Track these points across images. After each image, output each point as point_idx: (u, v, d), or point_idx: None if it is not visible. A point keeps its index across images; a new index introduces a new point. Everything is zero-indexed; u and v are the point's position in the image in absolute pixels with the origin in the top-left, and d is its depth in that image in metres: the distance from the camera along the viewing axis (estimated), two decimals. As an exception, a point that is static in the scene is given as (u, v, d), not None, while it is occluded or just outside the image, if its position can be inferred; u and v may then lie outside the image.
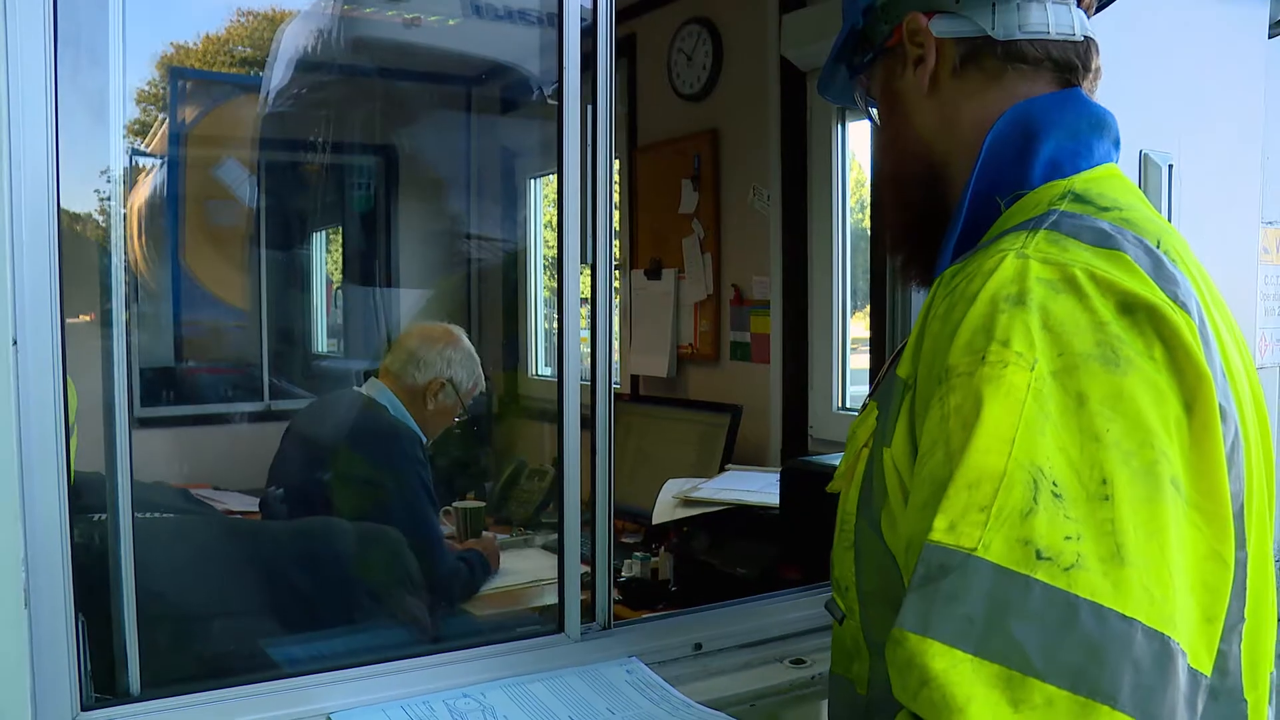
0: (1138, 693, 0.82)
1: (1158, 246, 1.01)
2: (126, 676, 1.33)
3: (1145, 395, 0.88)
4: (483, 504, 3.24)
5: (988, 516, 0.84)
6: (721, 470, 3.14)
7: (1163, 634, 0.83)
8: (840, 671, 1.20)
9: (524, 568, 2.90)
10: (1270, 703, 1.06)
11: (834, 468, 2.36)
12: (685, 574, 2.66)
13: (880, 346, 1.93)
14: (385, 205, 4.39)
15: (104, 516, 1.33)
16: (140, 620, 1.34)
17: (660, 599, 2.63)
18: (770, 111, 3.25)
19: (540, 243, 4.33)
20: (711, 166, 3.50)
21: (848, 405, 3.25)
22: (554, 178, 4.36)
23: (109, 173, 1.35)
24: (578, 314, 1.59)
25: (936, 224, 1.18)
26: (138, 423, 2.75)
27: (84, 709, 1.26)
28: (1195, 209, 1.88)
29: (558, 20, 1.54)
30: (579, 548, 1.60)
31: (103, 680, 1.32)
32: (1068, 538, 0.83)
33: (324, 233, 4.75)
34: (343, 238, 4.69)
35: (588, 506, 1.61)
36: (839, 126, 3.17)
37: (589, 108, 1.57)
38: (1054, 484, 0.85)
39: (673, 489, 2.91)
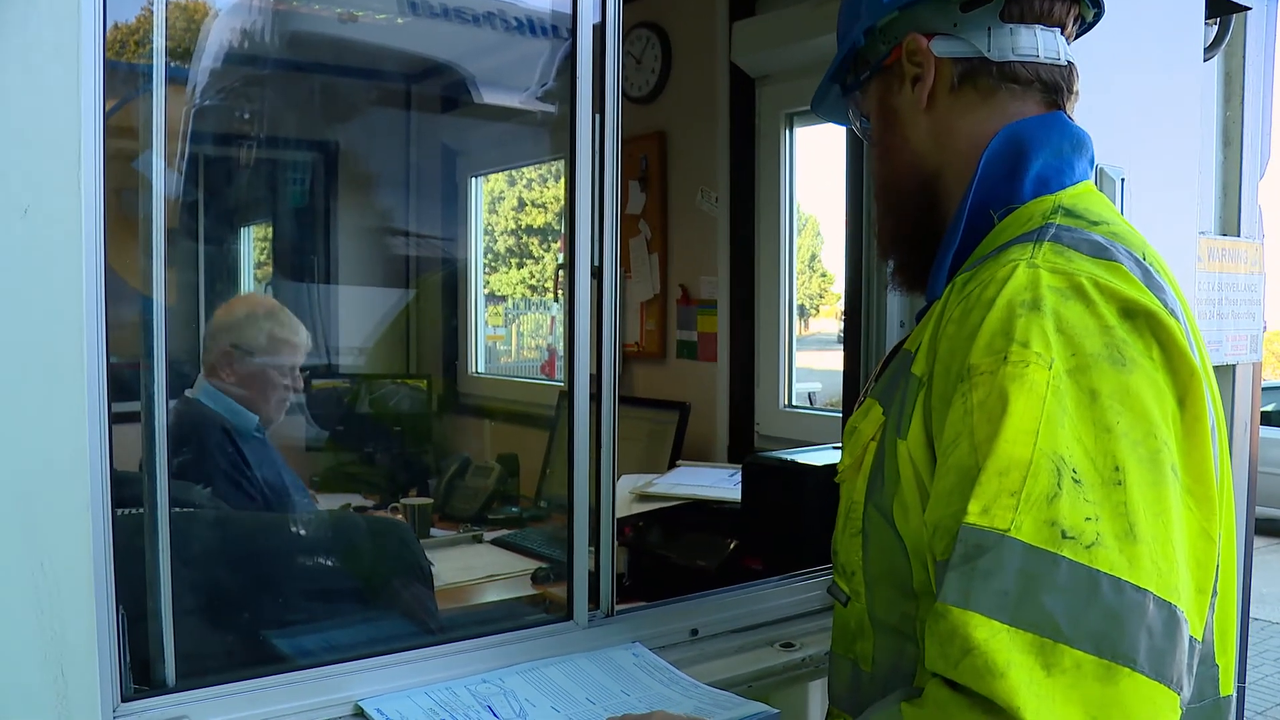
0: (1153, 655, 0.93)
1: (1143, 259, 1.12)
2: (163, 668, 1.35)
3: (1148, 391, 0.99)
4: (430, 500, 3.27)
5: (1018, 501, 0.94)
6: (672, 466, 3.22)
7: (1170, 603, 0.94)
8: (841, 651, 1.28)
9: (477, 564, 2.92)
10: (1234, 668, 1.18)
11: (794, 463, 2.48)
12: (641, 567, 2.72)
13: (855, 344, 2.01)
14: (322, 202, 4.36)
15: (130, 511, 1.35)
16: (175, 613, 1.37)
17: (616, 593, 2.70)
18: (719, 116, 3.34)
19: (481, 241, 4.36)
20: (659, 168, 3.58)
21: (794, 403, 3.36)
22: (495, 176, 4.35)
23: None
24: (587, 321, 1.64)
25: (929, 232, 1.27)
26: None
27: (124, 699, 1.29)
28: (1143, 219, 2.00)
29: (571, 32, 1.60)
30: (588, 540, 1.66)
31: (138, 672, 1.34)
32: (1088, 519, 0.93)
33: (255, 228, 4.70)
34: (274, 234, 4.65)
35: (594, 502, 1.67)
36: (787, 132, 3.27)
37: (597, 117, 1.63)
38: (1074, 470, 0.95)
39: (627, 484, 2.97)
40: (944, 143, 1.25)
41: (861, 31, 1.30)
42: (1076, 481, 0.94)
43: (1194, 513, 1.00)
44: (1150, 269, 1.11)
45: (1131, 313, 1.03)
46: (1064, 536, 0.93)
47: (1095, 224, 1.14)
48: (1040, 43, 1.23)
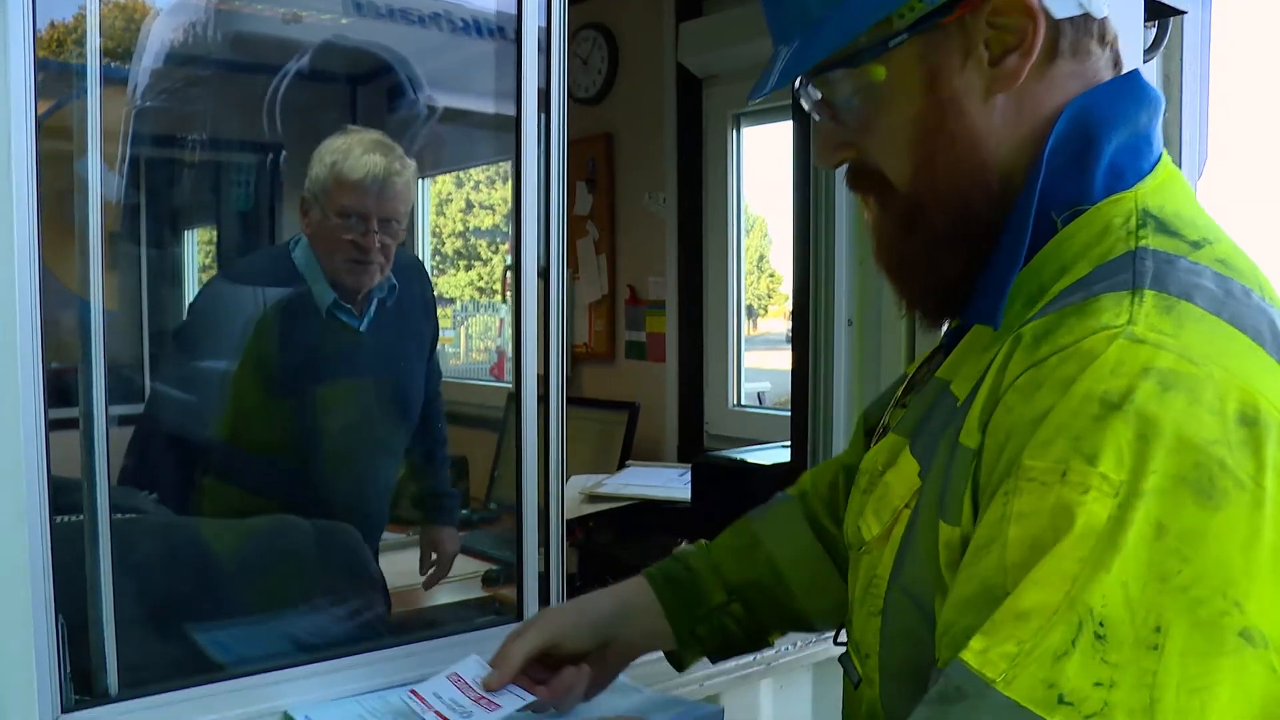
0: None
1: (1262, 294, 0.88)
2: (105, 677, 1.33)
3: (1234, 535, 0.77)
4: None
5: (1020, 651, 0.78)
6: (622, 466, 3.22)
7: None
8: None
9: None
10: None
11: (744, 462, 2.48)
12: (591, 568, 2.73)
13: (803, 343, 2.02)
14: (267, 204, 4.31)
15: (70, 518, 1.33)
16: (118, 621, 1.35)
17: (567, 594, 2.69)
18: (666, 117, 3.35)
19: (428, 242, 4.33)
20: (606, 169, 3.58)
21: (742, 402, 3.38)
22: (442, 178, 4.30)
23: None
24: (534, 321, 1.64)
25: (975, 249, 0.98)
26: None
27: (64, 710, 1.27)
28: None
29: (516, 32, 1.60)
30: (537, 542, 1.65)
31: (79, 682, 1.32)
32: (1098, 684, 0.76)
33: (199, 231, 4.64)
34: (219, 237, 4.59)
35: (543, 504, 1.67)
36: (734, 132, 3.28)
37: (542, 116, 1.63)
38: (1100, 624, 0.76)
39: (577, 485, 2.97)
40: (1017, 133, 0.95)
41: None
42: (1099, 637, 0.76)
43: None
44: (1276, 316, 0.86)
45: (1251, 419, 0.78)
46: (1060, 701, 0.76)
47: (1197, 246, 0.89)
48: None
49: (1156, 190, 0.94)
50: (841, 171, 1.08)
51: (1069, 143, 0.93)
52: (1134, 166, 0.94)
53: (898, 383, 1.25)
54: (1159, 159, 0.96)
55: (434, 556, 2.46)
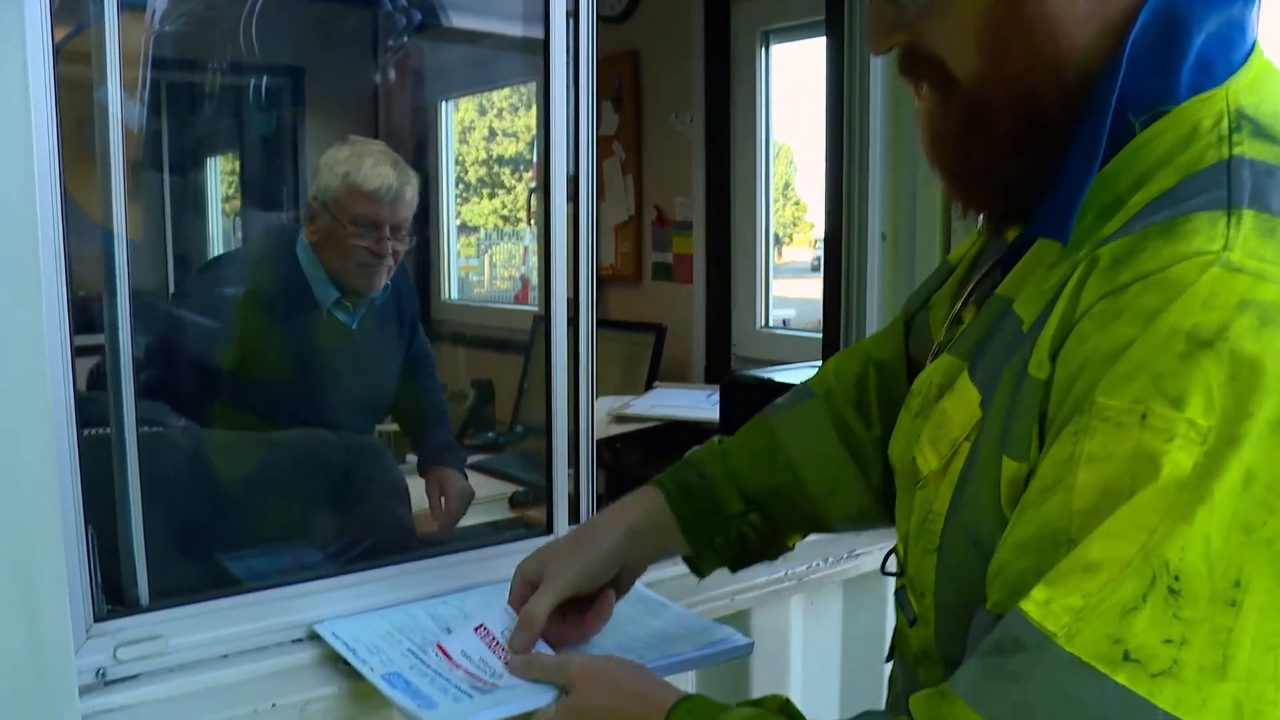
0: None
1: None
2: (136, 588, 1.34)
3: None
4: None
5: (1086, 604, 0.72)
6: (649, 388, 3.21)
7: None
8: (906, 663, 1.06)
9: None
10: None
11: (774, 381, 2.46)
12: (619, 488, 2.72)
13: (836, 258, 1.99)
14: (290, 130, 4.29)
15: (97, 431, 1.33)
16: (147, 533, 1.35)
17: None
18: (693, 34, 3.29)
19: (452, 167, 4.30)
20: (632, 88, 3.53)
21: (770, 324, 3.35)
22: (465, 105, 4.24)
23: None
24: (563, 243, 1.61)
25: (1043, 153, 0.87)
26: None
27: (96, 620, 1.28)
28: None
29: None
30: (567, 463, 1.65)
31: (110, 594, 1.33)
32: (1168, 641, 0.70)
33: (221, 159, 4.62)
34: (242, 164, 4.57)
35: (573, 426, 1.66)
36: (763, 50, 3.22)
37: (571, 22, 1.59)
38: (1175, 578, 0.70)
39: (604, 406, 2.97)
40: (1099, 22, 0.83)
41: None
42: (1173, 592, 0.70)
43: None
44: None
45: None
46: (1126, 658, 0.71)
47: None
48: None
49: (1251, 86, 0.82)
50: (876, 75, 1.01)
51: (1152, 34, 0.81)
52: (1224, 59, 0.83)
53: (941, 272, 1.20)
54: (1252, 49, 0.85)
55: (443, 499, 2.44)
